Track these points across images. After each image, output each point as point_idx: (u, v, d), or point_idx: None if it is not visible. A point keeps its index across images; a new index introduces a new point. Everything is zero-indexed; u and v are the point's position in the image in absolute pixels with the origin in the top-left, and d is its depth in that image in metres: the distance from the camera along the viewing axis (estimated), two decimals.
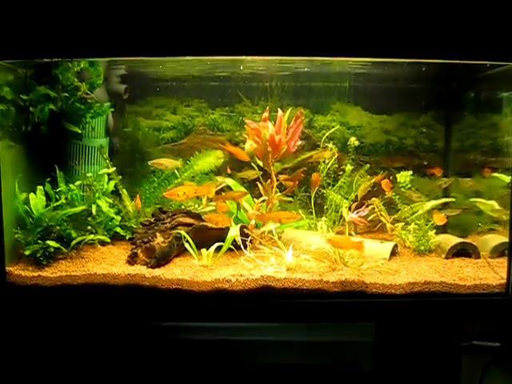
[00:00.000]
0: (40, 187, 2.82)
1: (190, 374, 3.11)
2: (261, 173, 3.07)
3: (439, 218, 3.01)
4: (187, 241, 2.82)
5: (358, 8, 2.39)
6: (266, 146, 2.99)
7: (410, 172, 3.15)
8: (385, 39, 2.40)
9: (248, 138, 3.04)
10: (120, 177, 3.16)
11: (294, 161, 3.32)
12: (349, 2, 2.38)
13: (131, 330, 3.01)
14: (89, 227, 2.89)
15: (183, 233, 2.83)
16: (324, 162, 3.19)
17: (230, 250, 2.84)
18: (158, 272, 2.61)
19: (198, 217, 3.04)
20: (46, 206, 2.78)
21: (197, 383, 3.12)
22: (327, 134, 3.24)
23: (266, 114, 3.01)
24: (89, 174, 3.00)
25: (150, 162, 3.20)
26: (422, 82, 3.31)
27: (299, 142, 3.09)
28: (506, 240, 2.63)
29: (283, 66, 3.30)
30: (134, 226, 3.10)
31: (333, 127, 3.40)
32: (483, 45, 2.43)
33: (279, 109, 3.05)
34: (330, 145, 3.21)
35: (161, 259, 2.74)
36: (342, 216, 3.07)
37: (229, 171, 3.34)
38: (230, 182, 3.30)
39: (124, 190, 3.19)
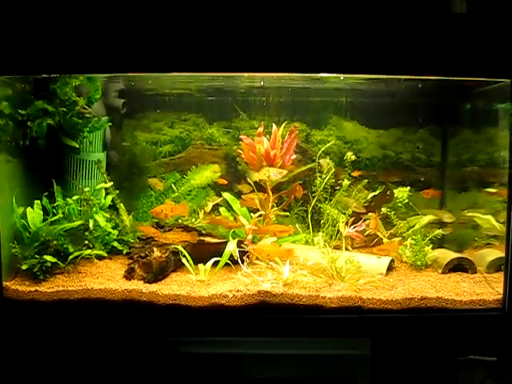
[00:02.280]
0: (37, 201, 2.82)
1: None
2: (251, 188, 3.08)
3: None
4: (184, 256, 2.82)
5: (356, 25, 2.41)
6: (260, 161, 3.00)
7: (408, 188, 3.17)
8: (382, 56, 2.43)
9: (243, 153, 3.06)
10: (117, 191, 3.16)
11: (289, 175, 3.32)
12: (346, 20, 2.41)
13: (128, 345, 3.00)
14: (86, 242, 2.89)
15: (180, 248, 2.83)
16: (321, 176, 3.20)
17: (227, 264, 2.84)
18: (155, 287, 2.61)
19: (194, 231, 3.04)
20: (44, 220, 2.78)
21: None
22: (323, 149, 3.25)
23: (260, 129, 3.03)
24: (86, 189, 3.00)
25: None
26: (419, 97, 3.33)
27: (294, 156, 3.10)
28: (503, 255, 2.64)
29: (281, 81, 3.32)
30: (132, 241, 3.10)
31: (329, 142, 3.41)
32: (478, 62, 2.45)
33: (273, 124, 3.06)
34: (327, 160, 3.22)
35: (158, 274, 2.74)
36: (339, 230, 3.08)
37: (223, 181, 3.33)
38: (227, 196, 3.30)
39: (121, 205, 3.19)
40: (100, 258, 2.96)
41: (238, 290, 2.56)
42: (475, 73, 2.50)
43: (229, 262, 2.83)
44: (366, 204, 3.18)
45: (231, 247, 2.81)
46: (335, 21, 2.41)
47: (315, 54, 2.40)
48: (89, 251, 2.85)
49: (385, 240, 3.14)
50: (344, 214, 3.12)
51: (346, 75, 2.85)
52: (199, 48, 2.39)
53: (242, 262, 2.82)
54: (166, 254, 2.83)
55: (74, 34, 2.40)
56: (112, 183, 3.13)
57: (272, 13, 2.39)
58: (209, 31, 2.39)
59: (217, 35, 2.39)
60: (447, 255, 2.98)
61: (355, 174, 3.24)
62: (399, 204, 3.16)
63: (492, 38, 2.45)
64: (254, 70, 2.53)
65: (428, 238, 3.04)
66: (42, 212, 2.81)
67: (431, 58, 2.44)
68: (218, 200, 3.27)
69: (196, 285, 2.68)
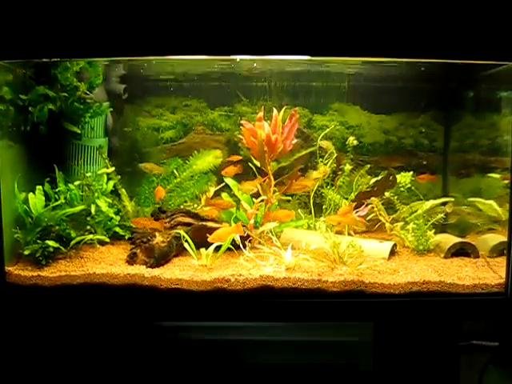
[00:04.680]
0: (39, 187, 2.81)
1: (190, 375, 3.11)
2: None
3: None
4: (186, 240, 2.82)
5: (358, 7, 2.39)
6: (262, 146, 2.99)
7: (411, 173, 3.16)
8: (384, 39, 2.40)
9: (244, 138, 3.05)
10: (119, 176, 3.16)
11: (290, 159, 3.33)
12: (348, 1, 2.39)
13: (130, 330, 3.01)
14: (88, 227, 2.89)
15: (182, 232, 2.83)
16: (322, 161, 3.19)
17: (229, 249, 2.83)
18: (157, 272, 2.61)
19: (197, 216, 3.04)
20: (46, 205, 2.78)
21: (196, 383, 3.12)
22: (322, 134, 3.25)
23: (260, 114, 3.01)
24: (88, 174, 3.01)
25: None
26: (421, 81, 3.31)
27: (295, 141, 3.09)
28: (505, 239, 2.63)
29: (282, 65, 3.31)
30: (134, 226, 3.10)
31: (332, 126, 3.40)
32: (482, 44, 2.43)
33: (274, 108, 3.05)
34: (328, 142, 3.21)
35: (160, 259, 2.74)
36: None
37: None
38: (229, 182, 3.30)
39: (123, 190, 3.19)
40: (102, 243, 2.96)
41: (240, 275, 2.56)
42: (478, 56, 2.48)
43: (231, 246, 2.83)
44: (368, 189, 3.17)
45: None
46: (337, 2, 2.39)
47: (319, 35, 2.39)
48: (91, 236, 2.86)
49: (387, 225, 3.14)
50: (346, 198, 3.13)
51: (348, 58, 2.82)
52: (201, 29, 2.37)
53: (244, 246, 2.82)
54: (169, 239, 2.83)
55: (74, 18, 2.39)
56: (114, 169, 3.13)
57: None
58: (210, 13, 2.37)
59: (218, 17, 2.37)
60: (450, 240, 2.97)
61: (347, 168, 3.25)
62: (402, 189, 3.15)
63: (495, 20, 2.43)
64: (254, 53, 2.50)
65: (430, 223, 3.04)
66: (43, 197, 2.80)
67: (434, 41, 2.42)
68: (220, 186, 3.27)
69: (198, 269, 2.67)
